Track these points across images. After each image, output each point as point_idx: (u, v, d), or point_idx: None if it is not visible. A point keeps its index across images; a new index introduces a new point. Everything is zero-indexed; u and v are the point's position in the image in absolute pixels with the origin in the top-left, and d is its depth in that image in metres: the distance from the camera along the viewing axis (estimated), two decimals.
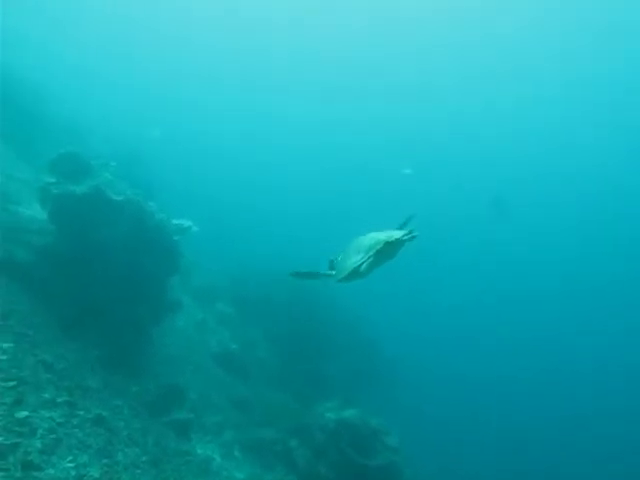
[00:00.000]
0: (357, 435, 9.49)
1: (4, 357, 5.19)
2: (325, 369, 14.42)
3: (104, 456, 5.10)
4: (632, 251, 45.33)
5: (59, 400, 5.25)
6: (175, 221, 9.18)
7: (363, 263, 3.39)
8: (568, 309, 39.94)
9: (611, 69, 42.42)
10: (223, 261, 18.94)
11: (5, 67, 14.37)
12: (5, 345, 5.42)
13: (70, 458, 4.55)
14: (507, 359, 31.36)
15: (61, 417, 5.02)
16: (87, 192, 7.32)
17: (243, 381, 11.71)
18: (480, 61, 46.61)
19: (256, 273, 17.40)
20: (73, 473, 4.39)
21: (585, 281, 43.92)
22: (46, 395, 5.15)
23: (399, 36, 47.02)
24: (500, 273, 42.56)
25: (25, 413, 4.57)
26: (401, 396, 17.28)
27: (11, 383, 4.84)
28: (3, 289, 6.67)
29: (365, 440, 9.51)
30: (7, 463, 3.90)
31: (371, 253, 3.34)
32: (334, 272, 3.73)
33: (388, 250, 3.35)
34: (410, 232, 3.30)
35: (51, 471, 4.21)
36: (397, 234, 3.32)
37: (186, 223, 9.86)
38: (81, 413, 5.41)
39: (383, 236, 3.36)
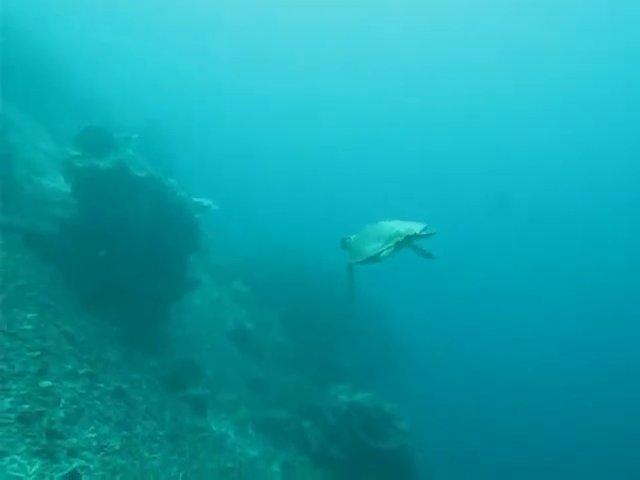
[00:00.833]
0: (369, 418, 9.50)
1: (29, 327, 5.26)
2: (340, 355, 14.39)
3: (123, 428, 5.16)
4: (634, 244, 45.27)
5: (81, 372, 5.31)
6: (195, 199, 9.14)
7: (383, 251, 3.69)
8: (576, 303, 40.11)
9: (612, 64, 41.97)
10: (240, 240, 19.01)
11: (37, 42, 14.44)
12: (29, 315, 5.49)
13: (92, 428, 4.62)
14: (514, 351, 31.59)
15: (83, 388, 5.09)
16: (111, 167, 7.31)
17: (257, 361, 11.80)
18: (482, 54, 46.23)
19: (272, 254, 17.42)
20: (95, 444, 4.45)
21: (587, 275, 44.28)
22: (68, 366, 5.22)
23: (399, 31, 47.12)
24: (508, 267, 42.71)
25: (48, 383, 4.63)
26: (413, 383, 17.30)
27: (35, 353, 4.91)
28: (27, 260, 6.74)
29: (377, 423, 9.52)
30: (33, 430, 3.96)
31: (391, 244, 3.67)
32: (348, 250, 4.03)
33: (407, 242, 3.71)
34: (427, 228, 3.68)
35: (74, 440, 4.27)
36: (417, 228, 3.67)
37: (206, 201, 9.80)
38: (101, 385, 5.48)
39: (403, 228, 3.69)
